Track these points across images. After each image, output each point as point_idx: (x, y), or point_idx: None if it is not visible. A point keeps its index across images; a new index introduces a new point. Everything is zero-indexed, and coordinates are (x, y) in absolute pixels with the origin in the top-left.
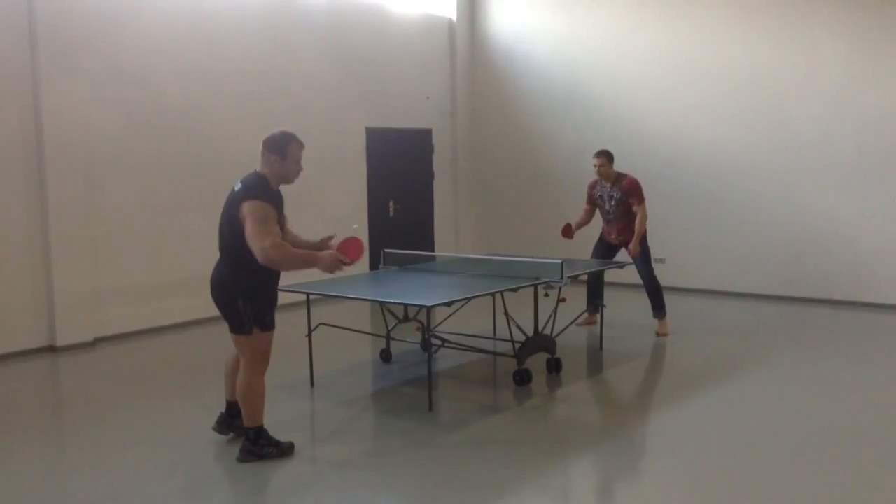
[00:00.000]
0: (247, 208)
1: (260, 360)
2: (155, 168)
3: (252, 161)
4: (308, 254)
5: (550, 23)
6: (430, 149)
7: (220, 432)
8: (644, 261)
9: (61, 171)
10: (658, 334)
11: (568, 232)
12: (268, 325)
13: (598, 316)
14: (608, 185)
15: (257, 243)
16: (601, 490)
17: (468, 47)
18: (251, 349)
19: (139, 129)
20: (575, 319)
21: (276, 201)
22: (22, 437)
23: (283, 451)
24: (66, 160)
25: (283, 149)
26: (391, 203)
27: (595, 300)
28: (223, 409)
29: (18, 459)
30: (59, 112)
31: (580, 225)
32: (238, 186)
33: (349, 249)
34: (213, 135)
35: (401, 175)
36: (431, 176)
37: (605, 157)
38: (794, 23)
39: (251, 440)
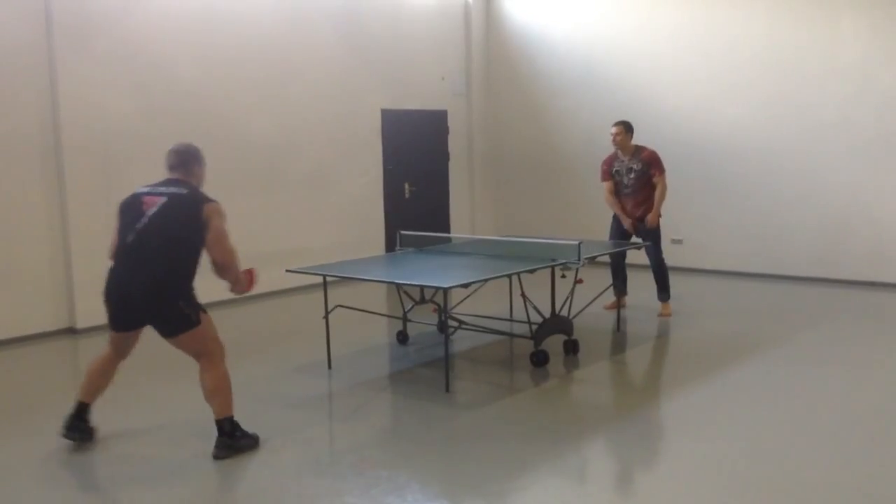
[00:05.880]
0: (213, 210)
1: (219, 345)
2: None
3: (268, 143)
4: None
5: (566, 1)
6: (446, 130)
7: (75, 439)
8: (655, 242)
9: (78, 155)
10: (660, 315)
11: (635, 226)
12: (202, 308)
13: (625, 299)
14: (626, 157)
15: (227, 245)
16: (618, 471)
17: (483, 27)
18: (206, 338)
19: (155, 111)
20: (593, 300)
21: None
22: (42, 417)
23: (255, 441)
24: (83, 143)
25: (203, 159)
26: (407, 185)
27: (618, 285)
28: (74, 411)
29: (38, 440)
30: (75, 95)
31: (621, 208)
32: (171, 190)
33: (250, 278)
34: (228, 117)
35: (416, 157)
36: (447, 157)
37: (623, 126)
38: None
39: (228, 433)
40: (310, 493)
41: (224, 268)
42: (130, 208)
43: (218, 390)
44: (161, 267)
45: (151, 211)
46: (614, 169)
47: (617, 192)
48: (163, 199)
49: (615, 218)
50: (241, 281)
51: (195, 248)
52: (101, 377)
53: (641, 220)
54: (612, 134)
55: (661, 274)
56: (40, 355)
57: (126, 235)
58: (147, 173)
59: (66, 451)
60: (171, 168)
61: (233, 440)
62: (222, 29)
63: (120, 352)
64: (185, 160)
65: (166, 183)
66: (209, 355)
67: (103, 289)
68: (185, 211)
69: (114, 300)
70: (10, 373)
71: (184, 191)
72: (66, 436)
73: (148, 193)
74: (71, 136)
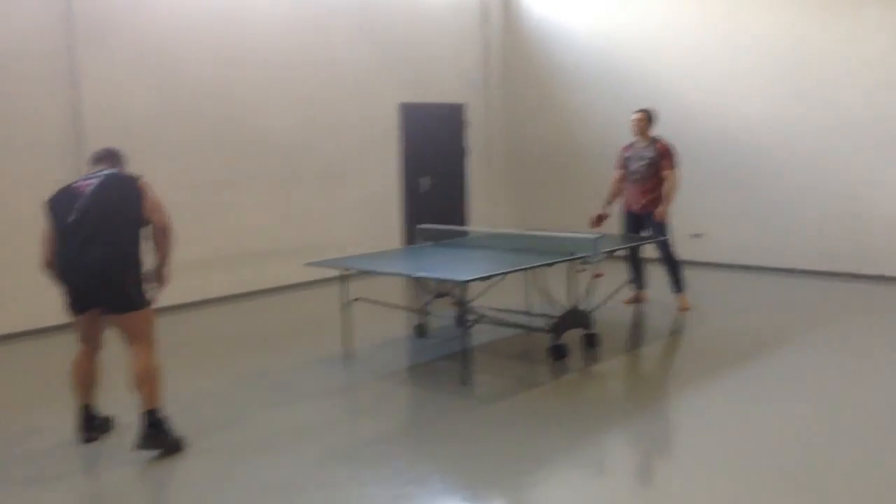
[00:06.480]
0: (146, 183)
1: (154, 334)
2: (191, 147)
3: (286, 139)
4: None
5: None
6: (464, 124)
7: (93, 439)
8: (663, 236)
9: None
10: (680, 310)
11: (599, 222)
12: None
13: (644, 293)
14: (642, 145)
15: (165, 211)
16: (636, 464)
17: (501, 20)
18: (150, 321)
19: (176, 111)
20: (612, 295)
21: None
22: (56, 407)
23: (180, 443)
24: (106, 142)
25: (126, 160)
26: (425, 179)
27: (636, 280)
28: (81, 415)
29: (49, 429)
30: (97, 97)
31: (613, 197)
32: (103, 172)
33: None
34: (248, 115)
35: (434, 150)
36: (465, 151)
37: (646, 113)
38: None
39: (156, 424)
40: (331, 483)
41: (165, 230)
42: (64, 196)
43: (150, 377)
44: (108, 238)
45: (89, 189)
46: (627, 155)
47: (625, 178)
48: (97, 180)
49: (625, 213)
50: (168, 269)
51: (137, 218)
52: (86, 376)
53: (646, 210)
54: (633, 119)
55: (670, 267)
56: (57, 348)
57: (66, 217)
58: (168, 172)
59: (67, 446)
60: (98, 160)
61: (159, 432)
62: (241, 28)
63: (91, 342)
64: (112, 155)
65: (97, 171)
66: (147, 342)
67: (56, 274)
68: (122, 183)
69: (69, 280)
70: (22, 366)
71: (116, 170)
72: (86, 440)
73: (80, 180)
74: (94, 136)
